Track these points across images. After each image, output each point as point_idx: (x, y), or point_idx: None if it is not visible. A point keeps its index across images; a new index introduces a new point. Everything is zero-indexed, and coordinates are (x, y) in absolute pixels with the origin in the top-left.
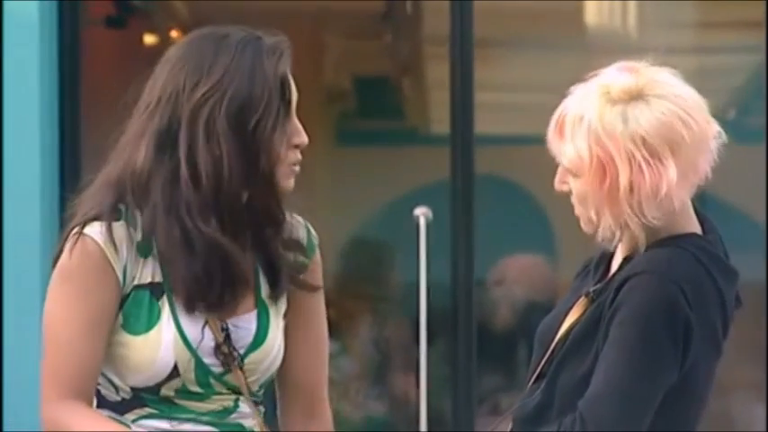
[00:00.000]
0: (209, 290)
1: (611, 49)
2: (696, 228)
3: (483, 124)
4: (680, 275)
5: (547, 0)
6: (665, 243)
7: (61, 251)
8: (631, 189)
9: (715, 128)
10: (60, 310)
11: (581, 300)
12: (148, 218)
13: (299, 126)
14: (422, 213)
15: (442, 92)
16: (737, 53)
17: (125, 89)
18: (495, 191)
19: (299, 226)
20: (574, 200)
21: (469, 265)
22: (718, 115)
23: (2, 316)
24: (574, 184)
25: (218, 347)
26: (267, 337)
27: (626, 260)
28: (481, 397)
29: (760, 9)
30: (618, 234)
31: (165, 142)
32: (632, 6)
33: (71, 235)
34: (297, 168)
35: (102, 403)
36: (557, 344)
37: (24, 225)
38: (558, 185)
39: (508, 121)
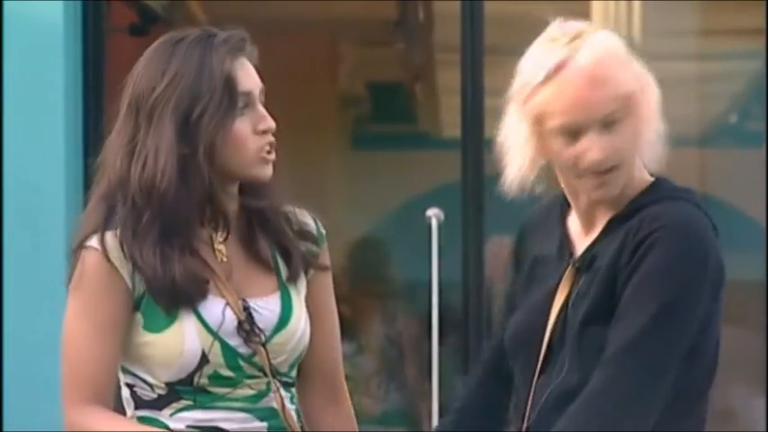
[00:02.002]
0: (170, 294)
1: None
2: (648, 176)
3: (493, 128)
4: (703, 229)
5: (555, 8)
6: (653, 199)
7: (72, 267)
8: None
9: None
10: (74, 321)
11: (565, 279)
12: (119, 229)
13: (264, 112)
14: (434, 214)
15: (453, 97)
16: (738, 59)
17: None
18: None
19: (307, 218)
20: (616, 159)
21: (480, 264)
22: (719, 120)
23: (2, 316)
24: (619, 135)
25: (240, 325)
26: (291, 317)
27: (609, 224)
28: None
29: (760, 16)
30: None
31: (132, 148)
32: (636, 14)
33: (78, 250)
34: (269, 155)
35: (140, 404)
36: (553, 330)
37: (44, 227)
38: (606, 157)
39: None
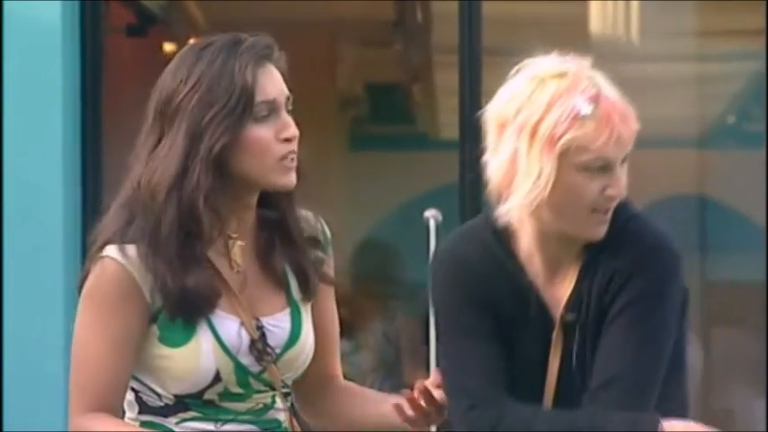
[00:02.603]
0: (182, 305)
1: (615, 56)
2: None
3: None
4: (673, 243)
5: (553, 9)
6: (620, 222)
7: (86, 275)
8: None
9: None
10: (87, 330)
11: (556, 332)
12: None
13: (288, 120)
14: (432, 215)
15: (451, 98)
16: (738, 60)
17: (145, 97)
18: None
19: (315, 223)
20: (623, 194)
21: None
22: (719, 121)
23: (2, 316)
24: (625, 169)
25: (252, 344)
26: (301, 333)
27: (585, 267)
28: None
29: (760, 17)
30: None
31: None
32: (635, 15)
33: (96, 258)
34: (292, 163)
35: (144, 409)
36: (559, 383)
37: (43, 227)
38: (623, 192)
39: None
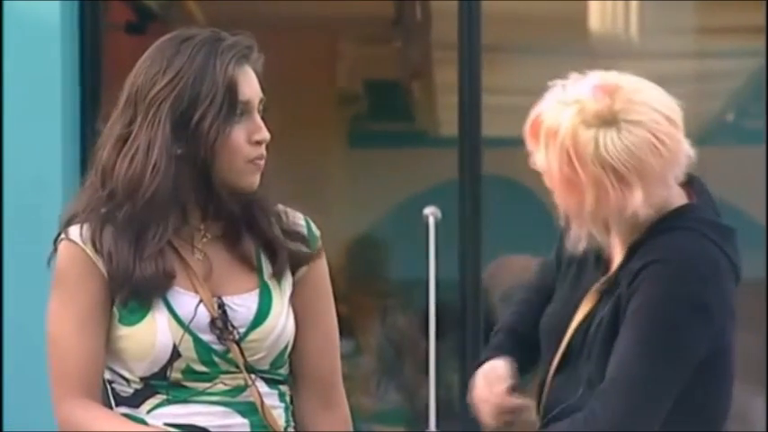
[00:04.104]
0: (130, 289)
1: (615, 53)
2: (683, 197)
3: (490, 127)
4: (696, 260)
5: (552, 6)
6: (668, 227)
7: (51, 258)
8: (597, 209)
9: (686, 147)
10: (54, 314)
11: (590, 295)
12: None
13: (260, 123)
14: (431, 213)
15: (450, 95)
16: (738, 57)
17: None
18: (501, 191)
19: (298, 219)
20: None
21: (477, 262)
22: (718, 118)
23: (2, 316)
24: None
25: (213, 322)
26: (270, 314)
27: (630, 249)
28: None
29: (760, 14)
30: (584, 236)
31: (123, 139)
32: (635, 12)
33: (57, 239)
34: (260, 164)
35: (118, 400)
36: (571, 339)
37: (43, 224)
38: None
39: (514, 124)
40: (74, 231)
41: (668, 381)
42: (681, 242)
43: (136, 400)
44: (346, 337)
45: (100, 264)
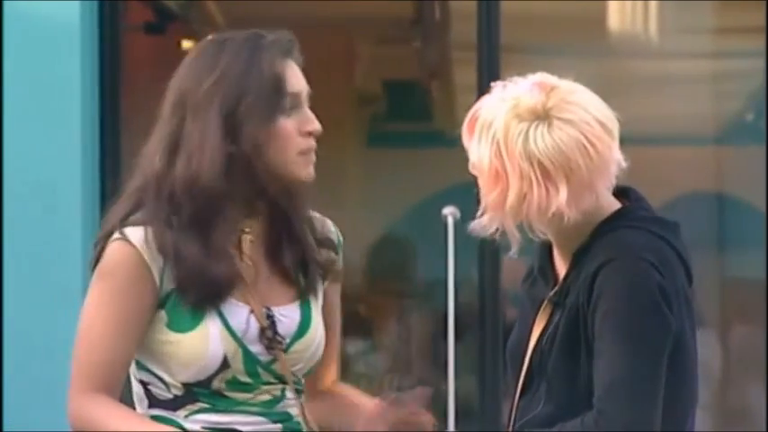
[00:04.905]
0: (203, 289)
1: (633, 53)
2: (615, 203)
3: None
4: (644, 252)
5: (571, 6)
6: (611, 228)
7: (98, 256)
8: (519, 204)
9: (617, 154)
10: (95, 308)
11: (544, 307)
12: (156, 222)
13: (310, 114)
14: (450, 212)
15: (469, 95)
16: (754, 57)
17: (162, 94)
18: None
19: (329, 226)
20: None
21: (496, 262)
22: (737, 118)
23: (2, 317)
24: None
25: (262, 332)
26: (310, 326)
27: (575, 256)
28: (507, 390)
29: None
30: (493, 228)
31: (175, 142)
32: (653, 12)
33: (109, 239)
34: (312, 157)
35: (154, 403)
36: (532, 355)
37: (61, 225)
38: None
39: None
40: (133, 233)
41: (657, 371)
42: (627, 239)
43: (174, 404)
44: (365, 337)
45: (154, 269)
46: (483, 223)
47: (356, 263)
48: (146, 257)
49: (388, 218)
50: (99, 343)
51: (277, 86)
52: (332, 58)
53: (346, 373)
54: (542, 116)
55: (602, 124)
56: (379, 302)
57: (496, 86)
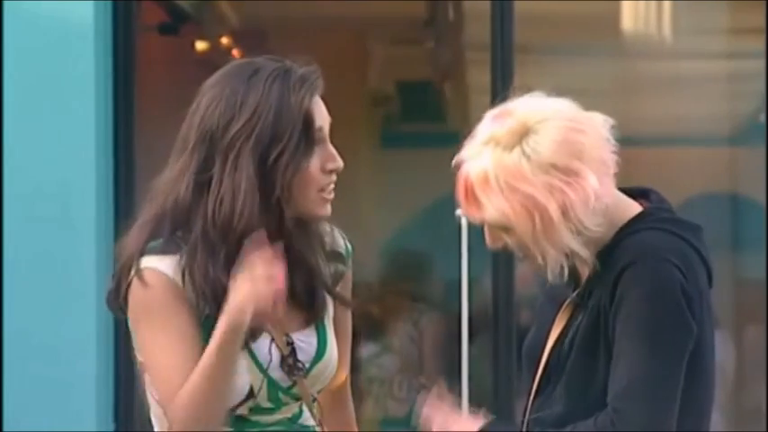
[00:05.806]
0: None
1: (647, 53)
2: (636, 205)
3: None
4: (668, 253)
5: (584, 6)
6: (634, 230)
7: (120, 286)
8: (564, 213)
9: (600, 117)
10: (154, 344)
11: (564, 308)
12: (185, 256)
13: (333, 151)
14: (464, 214)
15: (482, 96)
16: None
17: (176, 95)
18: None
19: (338, 236)
20: (516, 251)
21: (510, 264)
22: (751, 118)
23: (2, 317)
24: (508, 238)
25: (283, 360)
26: (327, 348)
27: (598, 258)
28: (521, 390)
29: None
30: (566, 263)
31: (204, 180)
32: (667, 12)
33: (137, 270)
34: (330, 195)
35: None
36: (550, 355)
37: (76, 229)
38: (492, 245)
39: None
40: (160, 263)
41: (677, 373)
42: (650, 241)
43: None
44: (377, 338)
45: (190, 296)
46: (555, 262)
47: (368, 264)
48: (178, 282)
49: (402, 219)
50: (173, 371)
51: (308, 128)
52: (345, 58)
53: (359, 376)
54: (523, 132)
55: (568, 105)
56: (391, 303)
57: (463, 147)
